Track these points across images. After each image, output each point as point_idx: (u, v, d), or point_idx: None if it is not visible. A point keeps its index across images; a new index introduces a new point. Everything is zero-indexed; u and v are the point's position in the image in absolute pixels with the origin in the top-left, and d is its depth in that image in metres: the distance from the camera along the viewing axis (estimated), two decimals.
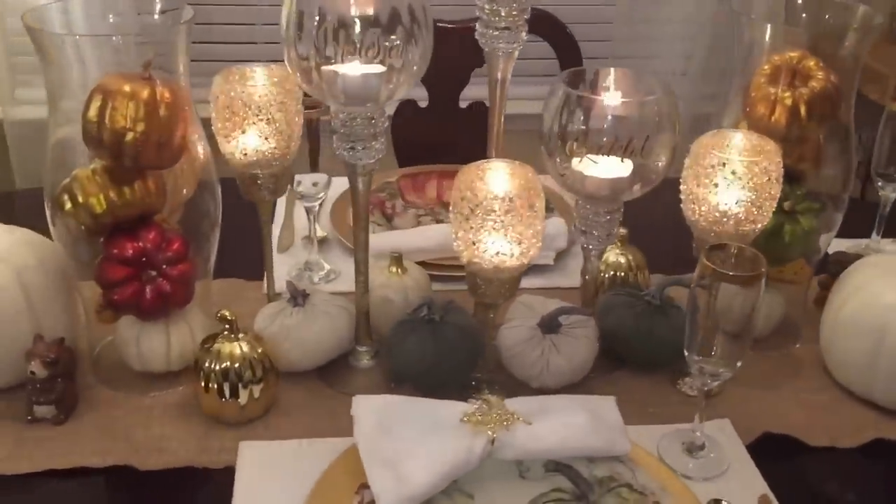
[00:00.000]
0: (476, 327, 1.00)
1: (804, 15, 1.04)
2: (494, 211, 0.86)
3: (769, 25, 0.99)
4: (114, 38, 0.89)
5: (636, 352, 1.05)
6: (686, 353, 0.89)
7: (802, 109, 0.98)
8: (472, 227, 0.87)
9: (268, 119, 0.94)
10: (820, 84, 0.97)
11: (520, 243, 0.88)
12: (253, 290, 1.18)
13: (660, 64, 2.44)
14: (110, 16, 0.93)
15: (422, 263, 1.14)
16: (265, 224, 1.06)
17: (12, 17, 2.03)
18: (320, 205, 1.22)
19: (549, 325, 1.01)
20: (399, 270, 1.08)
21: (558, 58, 1.79)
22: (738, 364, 0.87)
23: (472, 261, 0.90)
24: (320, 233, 1.28)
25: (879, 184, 1.29)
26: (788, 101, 0.98)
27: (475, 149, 1.74)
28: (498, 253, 0.88)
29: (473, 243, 0.88)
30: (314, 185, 1.18)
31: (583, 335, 1.01)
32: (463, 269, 0.93)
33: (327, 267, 1.24)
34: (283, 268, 1.22)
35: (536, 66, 1.92)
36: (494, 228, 0.86)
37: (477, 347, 1.00)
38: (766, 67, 0.99)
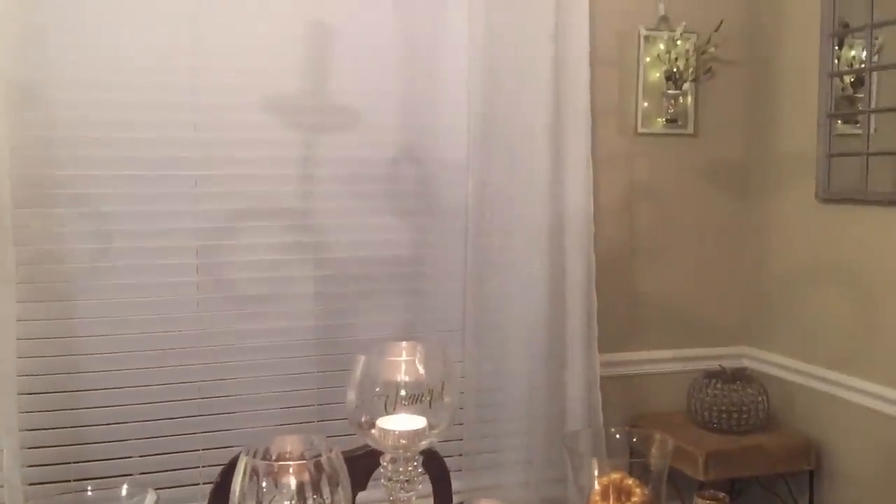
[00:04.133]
0: None
1: (617, 436, 1.40)
2: None
3: (594, 459, 1.33)
4: None
5: None
6: None
7: None
8: None
9: None
10: (639, 497, 1.30)
11: None
12: None
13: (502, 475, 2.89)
14: None
15: None
16: None
17: None
18: None
19: None
20: None
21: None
22: None
23: None
24: None
25: None
26: None
27: None
28: None
29: None
30: None
31: None
32: None
33: None
34: None
35: None
36: None
37: None
38: (597, 488, 1.31)
